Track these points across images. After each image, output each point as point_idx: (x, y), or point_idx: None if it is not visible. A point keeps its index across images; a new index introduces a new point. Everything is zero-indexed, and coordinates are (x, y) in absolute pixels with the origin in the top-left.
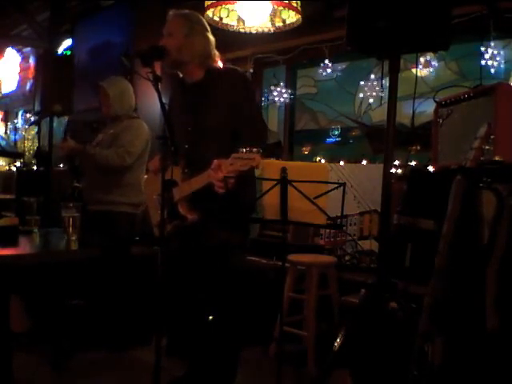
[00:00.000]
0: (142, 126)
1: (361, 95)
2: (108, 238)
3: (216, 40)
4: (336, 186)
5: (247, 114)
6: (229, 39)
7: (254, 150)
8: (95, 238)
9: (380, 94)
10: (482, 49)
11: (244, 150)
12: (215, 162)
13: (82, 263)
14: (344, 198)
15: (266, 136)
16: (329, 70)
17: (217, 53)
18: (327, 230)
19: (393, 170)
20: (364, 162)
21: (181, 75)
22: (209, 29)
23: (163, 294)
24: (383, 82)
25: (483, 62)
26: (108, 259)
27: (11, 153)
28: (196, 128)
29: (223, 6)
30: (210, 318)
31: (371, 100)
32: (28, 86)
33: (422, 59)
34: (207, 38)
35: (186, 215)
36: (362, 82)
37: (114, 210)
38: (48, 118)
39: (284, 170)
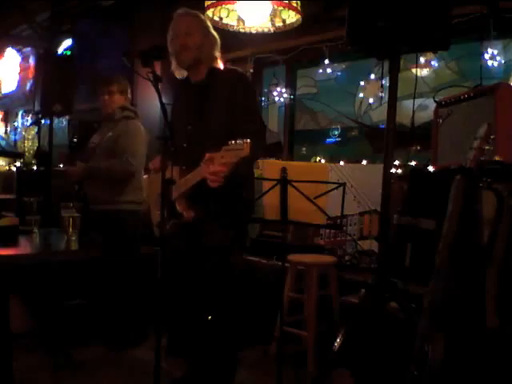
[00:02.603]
0: (139, 127)
1: (361, 95)
2: (115, 236)
3: None
4: (336, 185)
5: (246, 114)
6: (229, 39)
7: (244, 140)
8: (100, 237)
9: (380, 94)
10: (482, 49)
11: (234, 142)
12: (207, 155)
13: (82, 263)
14: (344, 198)
15: (265, 136)
16: (329, 70)
17: (218, 54)
18: (327, 230)
19: (393, 170)
20: (364, 162)
21: (184, 75)
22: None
23: (163, 293)
24: (383, 81)
25: (483, 62)
26: (111, 259)
27: (11, 153)
28: (196, 127)
29: (223, 5)
30: (209, 317)
31: (371, 100)
32: (28, 86)
33: (422, 59)
34: (216, 39)
35: (183, 212)
36: (361, 82)
37: (118, 208)
38: (48, 118)
39: (284, 170)
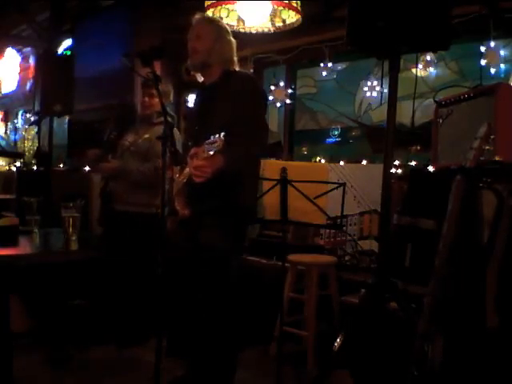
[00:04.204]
0: (176, 134)
1: (361, 95)
2: (138, 238)
3: None
4: (336, 186)
5: (248, 115)
6: None
7: (221, 135)
8: (121, 238)
9: (380, 94)
10: (482, 49)
11: (212, 137)
12: (192, 150)
13: (82, 263)
14: (344, 198)
15: (264, 137)
16: (329, 70)
17: (236, 58)
18: (327, 230)
19: (393, 170)
20: (364, 162)
21: (201, 78)
22: (230, 32)
23: (163, 293)
24: (383, 81)
25: (483, 62)
26: (112, 259)
27: (11, 153)
28: (202, 127)
29: (223, 5)
30: (207, 318)
31: (371, 100)
32: (28, 86)
33: (422, 59)
34: (232, 43)
35: (180, 210)
36: (362, 82)
37: (143, 211)
38: (48, 118)
39: (284, 170)
